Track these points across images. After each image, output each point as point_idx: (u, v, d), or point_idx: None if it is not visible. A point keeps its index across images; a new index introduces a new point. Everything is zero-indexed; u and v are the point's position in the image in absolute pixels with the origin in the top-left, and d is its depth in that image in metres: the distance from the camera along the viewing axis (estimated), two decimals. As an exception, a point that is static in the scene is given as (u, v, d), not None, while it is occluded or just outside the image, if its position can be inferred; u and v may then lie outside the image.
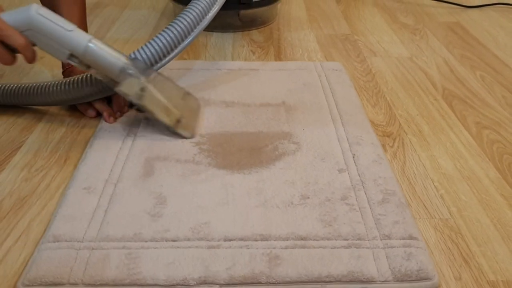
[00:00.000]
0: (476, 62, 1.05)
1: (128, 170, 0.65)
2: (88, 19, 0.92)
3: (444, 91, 0.93)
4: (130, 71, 0.68)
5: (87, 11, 0.88)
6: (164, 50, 0.75)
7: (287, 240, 0.54)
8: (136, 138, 0.72)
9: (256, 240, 0.54)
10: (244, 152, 0.70)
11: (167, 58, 0.76)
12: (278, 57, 1.04)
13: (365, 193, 0.62)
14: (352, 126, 0.76)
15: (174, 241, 0.54)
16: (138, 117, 0.77)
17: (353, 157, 0.69)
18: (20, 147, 0.71)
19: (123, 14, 1.28)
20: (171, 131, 0.73)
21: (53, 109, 0.81)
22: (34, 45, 0.66)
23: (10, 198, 0.62)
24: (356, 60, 1.04)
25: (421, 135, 0.78)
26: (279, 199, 0.60)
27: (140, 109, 0.76)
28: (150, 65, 0.75)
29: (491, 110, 0.86)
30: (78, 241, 0.53)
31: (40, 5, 0.67)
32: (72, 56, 0.66)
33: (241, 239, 0.54)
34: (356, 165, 0.67)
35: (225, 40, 1.13)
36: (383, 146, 0.74)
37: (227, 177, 0.64)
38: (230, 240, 0.54)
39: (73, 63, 0.67)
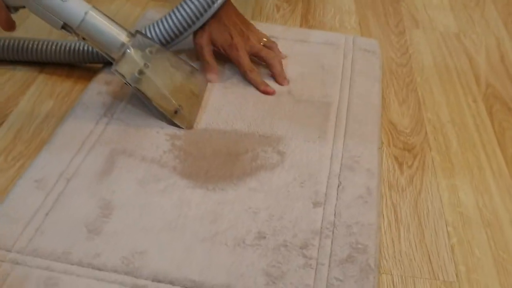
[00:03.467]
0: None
1: (88, 163, 0.60)
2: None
3: (487, 89, 0.78)
4: (128, 51, 0.61)
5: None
6: (180, 27, 0.69)
7: (220, 293, 0.49)
8: (111, 122, 0.66)
9: (186, 287, 0.49)
10: (218, 158, 0.62)
11: (184, 35, 0.70)
12: (305, 17, 0.91)
13: (332, 243, 0.54)
14: (356, 139, 0.66)
15: (100, 270, 0.50)
16: (125, 90, 0.71)
17: (338, 187, 0.60)
18: (3, 123, 0.66)
19: None
20: (168, 120, 0.66)
21: (48, 68, 0.75)
22: (22, 7, 0.59)
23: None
24: (394, 32, 0.89)
25: (446, 153, 0.67)
26: (232, 234, 0.54)
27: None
28: (165, 43, 0.68)
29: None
30: (6, 250, 0.51)
31: None
32: (66, 26, 0.60)
33: (170, 283, 0.49)
34: (337, 199, 0.58)
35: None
36: (400, 165, 0.65)
37: (187, 192, 0.58)
38: (158, 281, 0.49)
39: (68, 33, 0.61)
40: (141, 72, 0.63)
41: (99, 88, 0.71)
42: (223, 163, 0.62)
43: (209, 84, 0.73)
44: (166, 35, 0.70)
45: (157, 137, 0.64)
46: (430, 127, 0.71)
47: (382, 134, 0.69)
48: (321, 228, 0.55)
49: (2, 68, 0.74)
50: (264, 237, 0.54)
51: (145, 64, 0.62)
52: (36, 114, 0.68)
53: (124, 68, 0.62)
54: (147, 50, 0.63)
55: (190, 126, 0.66)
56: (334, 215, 0.57)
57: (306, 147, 0.64)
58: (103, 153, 0.62)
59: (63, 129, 0.64)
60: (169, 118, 0.65)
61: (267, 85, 0.72)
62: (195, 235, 0.53)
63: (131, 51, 0.62)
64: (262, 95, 0.72)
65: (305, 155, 0.63)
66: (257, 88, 0.72)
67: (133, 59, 0.62)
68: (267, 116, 0.68)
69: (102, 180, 0.59)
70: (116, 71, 0.62)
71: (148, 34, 0.70)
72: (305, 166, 0.62)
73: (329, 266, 0.52)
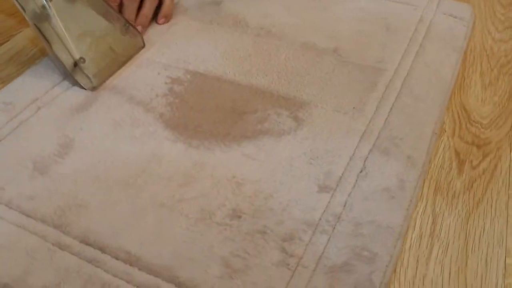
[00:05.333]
0: None
1: (68, 95, 0.51)
2: None
3: None
4: None
5: None
6: None
7: (155, 276, 0.37)
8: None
9: (113, 258, 0.38)
10: (218, 113, 0.50)
11: None
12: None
13: (327, 242, 0.39)
14: (403, 117, 0.49)
15: (27, 216, 0.40)
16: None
17: (360, 172, 0.44)
18: (5, 43, 0.60)
19: None
20: (67, 74, 0.53)
21: None
22: None
23: None
24: (501, 2, 0.69)
25: None
26: (200, 204, 0.41)
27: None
28: None
29: None
30: None
31: None
32: None
33: (100, 249, 0.38)
34: (354, 186, 0.43)
35: None
36: (461, 163, 0.47)
37: (165, 144, 0.46)
38: (86, 243, 0.38)
39: None
40: (43, 7, 0.50)
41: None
42: (221, 119, 0.49)
43: (243, 26, 0.60)
44: None
45: (156, 78, 0.53)
46: (520, 122, 0.52)
47: (447, 120, 0.51)
48: (320, 219, 0.40)
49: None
50: (239, 217, 0.41)
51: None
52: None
53: None
54: None
55: (91, 87, 0.52)
56: (344, 206, 0.41)
57: (333, 117, 0.49)
58: (89, 86, 0.52)
59: (55, 55, 0.56)
60: (69, 71, 0.52)
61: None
62: (152, 197, 0.42)
63: None
64: (300, 49, 0.58)
65: (328, 127, 0.48)
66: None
67: None
68: (297, 75, 0.54)
69: (74, 114, 0.49)
70: (16, 0, 0.49)
71: None
72: (324, 140, 0.47)
73: (313, 271, 0.37)
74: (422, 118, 0.50)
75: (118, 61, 0.55)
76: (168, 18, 0.62)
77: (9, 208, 0.41)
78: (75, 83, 0.52)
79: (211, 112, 0.50)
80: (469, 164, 0.48)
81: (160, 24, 0.62)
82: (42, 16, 0.50)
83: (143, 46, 0.58)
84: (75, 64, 0.51)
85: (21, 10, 0.50)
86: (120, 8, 0.59)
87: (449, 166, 0.47)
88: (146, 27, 0.60)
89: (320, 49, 0.58)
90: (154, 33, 0.60)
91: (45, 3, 0.49)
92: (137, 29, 0.57)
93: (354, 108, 0.50)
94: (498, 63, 0.59)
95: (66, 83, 0.52)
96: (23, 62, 0.57)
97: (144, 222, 0.40)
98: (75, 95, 0.51)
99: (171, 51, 0.57)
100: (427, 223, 0.42)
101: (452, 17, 0.64)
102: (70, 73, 0.52)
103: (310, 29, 0.61)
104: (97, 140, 0.46)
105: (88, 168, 0.44)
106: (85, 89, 0.52)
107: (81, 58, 0.51)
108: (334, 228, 0.40)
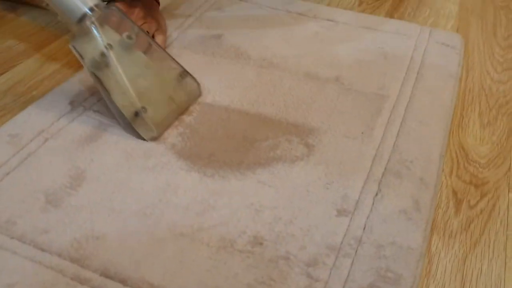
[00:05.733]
0: None
1: (75, 126, 0.50)
2: None
3: None
4: (92, 26, 0.47)
5: None
6: None
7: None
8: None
9: (139, 291, 0.37)
10: (230, 141, 0.50)
11: None
12: (390, 13, 0.76)
13: (351, 265, 0.39)
14: (411, 140, 0.50)
15: (42, 250, 0.39)
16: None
17: (376, 195, 0.45)
18: (4, 73, 0.59)
19: None
20: (125, 123, 0.50)
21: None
22: None
23: None
24: (500, 44, 0.71)
25: None
26: (220, 232, 0.41)
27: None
28: None
29: None
30: None
31: None
32: None
33: (121, 282, 0.37)
34: (371, 210, 0.43)
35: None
36: (458, 202, 0.47)
37: (180, 174, 0.46)
38: (107, 277, 0.37)
39: None
40: (103, 56, 0.48)
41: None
42: (234, 148, 0.49)
43: (245, 58, 0.61)
44: None
45: (164, 109, 0.54)
46: (519, 163, 0.52)
47: (445, 159, 0.51)
48: (342, 243, 0.40)
49: (34, 23, 0.68)
50: (261, 244, 0.40)
51: (108, 45, 0.48)
52: (41, 71, 0.60)
53: (83, 45, 0.48)
54: (124, 34, 0.49)
55: (152, 137, 0.49)
56: (364, 229, 0.42)
57: (344, 143, 0.50)
58: (97, 118, 0.52)
59: (60, 88, 0.55)
60: (128, 120, 0.49)
61: None
62: (172, 227, 0.41)
63: (95, 26, 0.47)
64: (303, 78, 0.59)
65: (340, 152, 0.49)
66: None
67: (98, 37, 0.47)
68: (303, 103, 0.55)
69: (84, 145, 0.48)
70: (74, 47, 0.48)
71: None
72: (337, 165, 0.47)
73: (341, 296, 0.37)
74: (428, 141, 0.51)
75: (178, 110, 0.52)
76: None
77: (23, 242, 0.39)
78: (133, 132, 0.49)
79: (223, 141, 0.50)
80: (467, 204, 0.47)
81: None
82: (101, 65, 0.48)
83: (200, 94, 0.55)
84: (136, 114, 0.49)
85: (79, 58, 0.48)
86: None
87: (446, 205, 0.47)
88: None
89: (322, 78, 0.59)
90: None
91: (105, 51, 0.47)
92: (194, 78, 0.55)
93: (362, 133, 0.51)
94: (497, 103, 0.60)
95: (71, 115, 0.52)
96: (20, 93, 0.56)
97: (165, 252, 0.39)
98: (82, 127, 0.50)
99: (175, 83, 0.58)
100: (423, 263, 0.41)
101: (445, 45, 0.66)
102: (130, 122, 0.49)
103: (311, 60, 0.62)
104: (110, 171, 0.46)
105: (102, 199, 0.43)
106: (144, 139, 0.49)
107: (143, 107, 0.48)
108: (357, 251, 0.40)
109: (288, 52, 0.63)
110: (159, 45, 0.52)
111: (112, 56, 0.47)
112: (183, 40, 0.65)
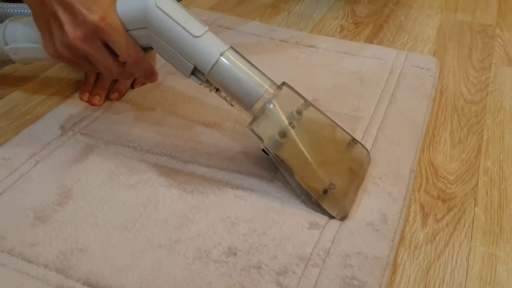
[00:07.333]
0: None
1: (65, 148, 0.53)
2: None
3: None
4: (271, 106, 0.47)
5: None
6: None
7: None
8: (104, 115, 0.59)
9: (117, 298, 0.39)
10: (212, 159, 0.53)
11: None
12: (370, 39, 0.80)
13: (319, 274, 0.41)
14: (381, 159, 0.53)
15: (29, 262, 0.41)
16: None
17: (346, 209, 0.47)
18: (1, 99, 0.62)
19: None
20: (312, 203, 0.48)
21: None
22: (151, 48, 0.49)
23: None
24: (475, 67, 0.74)
25: (498, 214, 0.50)
26: (196, 244, 0.43)
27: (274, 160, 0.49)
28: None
29: None
30: None
31: None
32: (197, 71, 0.48)
33: (102, 289, 0.40)
34: (340, 225, 0.46)
35: (319, 6, 0.91)
36: (425, 216, 0.49)
37: (160, 190, 0.49)
38: (89, 285, 0.40)
39: (198, 82, 0.49)
40: (283, 135, 0.47)
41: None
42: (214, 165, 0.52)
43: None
44: None
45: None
46: (485, 179, 0.54)
47: (415, 176, 0.54)
48: (311, 254, 0.43)
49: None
50: (235, 254, 0.43)
51: (290, 124, 0.47)
52: (35, 97, 0.63)
53: (263, 128, 0.47)
54: (294, 109, 0.48)
55: (343, 215, 0.47)
56: (332, 241, 0.44)
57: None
58: (85, 140, 0.55)
59: (52, 113, 0.59)
60: (315, 199, 0.47)
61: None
62: (151, 239, 0.44)
63: (274, 107, 0.47)
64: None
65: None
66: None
67: (276, 116, 0.47)
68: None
69: (72, 166, 0.51)
70: (252, 131, 0.47)
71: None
72: (311, 181, 0.50)
73: (307, 302, 0.39)
74: (399, 159, 0.54)
75: (358, 181, 0.50)
76: (121, 95, 0.62)
77: (11, 255, 0.42)
78: (317, 209, 0.47)
79: (203, 160, 0.53)
80: (433, 217, 0.49)
81: (111, 99, 0.62)
82: (282, 145, 0.47)
83: (369, 162, 0.53)
84: (325, 191, 0.47)
85: (258, 140, 0.48)
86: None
87: (413, 218, 0.49)
88: (122, 94, 0.63)
89: (300, 101, 0.62)
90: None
91: (287, 130, 0.47)
92: (363, 144, 0.53)
93: (336, 151, 0.54)
94: (468, 123, 0.63)
95: (61, 139, 0.55)
96: (14, 118, 0.59)
97: (143, 263, 0.42)
98: (71, 149, 0.53)
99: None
100: (389, 271, 0.43)
101: (420, 68, 0.70)
102: (317, 200, 0.47)
103: (291, 83, 0.65)
104: (94, 189, 0.49)
105: (87, 215, 0.46)
106: (334, 217, 0.47)
107: (331, 184, 0.47)
108: (325, 261, 0.42)
109: (270, 77, 0.66)
110: (323, 113, 0.52)
111: (293, 134, 0.47)
112: (169, 66, 0.69)
